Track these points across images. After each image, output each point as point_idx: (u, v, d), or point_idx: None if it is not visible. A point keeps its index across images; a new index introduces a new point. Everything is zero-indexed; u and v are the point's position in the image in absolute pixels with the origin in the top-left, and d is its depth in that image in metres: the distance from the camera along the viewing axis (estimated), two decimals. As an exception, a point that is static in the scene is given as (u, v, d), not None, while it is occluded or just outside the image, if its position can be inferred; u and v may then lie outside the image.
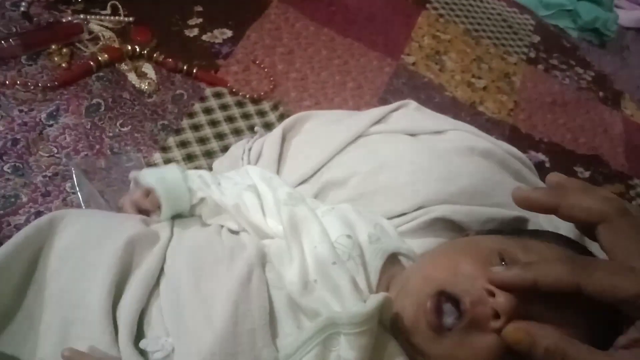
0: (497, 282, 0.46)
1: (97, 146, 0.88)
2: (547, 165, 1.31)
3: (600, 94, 1.63)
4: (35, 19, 1.02)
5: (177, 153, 0.93)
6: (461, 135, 0.73)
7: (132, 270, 0.54)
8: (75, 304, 0.52)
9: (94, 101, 0.94)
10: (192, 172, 0.66)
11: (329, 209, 0.61)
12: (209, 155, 0.94)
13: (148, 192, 0.62)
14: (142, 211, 0.64)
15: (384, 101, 1.25)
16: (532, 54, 1.65)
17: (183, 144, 0.95)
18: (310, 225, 0.56)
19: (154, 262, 0.54)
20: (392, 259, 0.57)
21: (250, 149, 0.74)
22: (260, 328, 0.48)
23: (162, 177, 0.63)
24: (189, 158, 0.93)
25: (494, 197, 0.64)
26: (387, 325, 0.50)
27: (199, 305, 0.50)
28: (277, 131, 0.75)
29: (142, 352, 0.49)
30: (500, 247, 0.51)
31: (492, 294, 0.46)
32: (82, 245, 0.57)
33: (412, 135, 0.73)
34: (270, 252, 0.56)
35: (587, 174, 1.35)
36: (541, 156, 1.33)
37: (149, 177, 0.63)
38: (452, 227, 0.62)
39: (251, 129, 1.02)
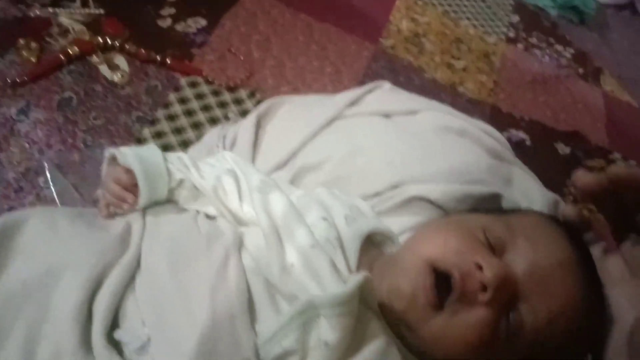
0: (581, 183, 0.51)
1: (70, 140, 0.87)
2: (528, 143, 1.32)
3: (580, 70, 1.63)
4: (1, 14, 0.99)
5: (152, 144, 0.92)
6: (435, 115, 0.72)
7: (108, 267, 0.53)
8: (41, 303, 0.50)
9: (66, 95, 0.92)
10: (170, 154, 0.64)
11: (303, 194, 0.60)
12: (186, 145, 0.93)
13: (127, 171, 0.60)
14: (127, 189, 0.60)
15: (363, 85, 1.24)
16: (512, 34, 1.65)
17: (158, 135, 0.94)
18: (285, 211, 0.55)
19: (130, 255, 0.53)
20: (371, 240, 0.57)
21: (224, 137, 0.73)
22: (240, 314, 0.48)
23: (141, 156, 0.60)
24: (165, 149, 0.90)
25: (469, 175, 0.63)
26: (368, 305, 0.50)
27: (177, 295, 0.49)
28: (251, 117, 0.74)
29: (117, 347, 0.48)
30: (483, 224, 0.52)
31: (480, 268, 0.47)
32: (46, 243, 0.55)
33: (387, 116, 0.72)
34: (247, 238, 0.55)
35: (567, 150, 1.35)
36: (522, 134, 1.33)
37: (128, 156, 0.60)
38: (428, 205, 0.62)
39: (228, 117, 1.01)
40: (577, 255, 0.51)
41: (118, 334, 0.48)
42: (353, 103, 0.74)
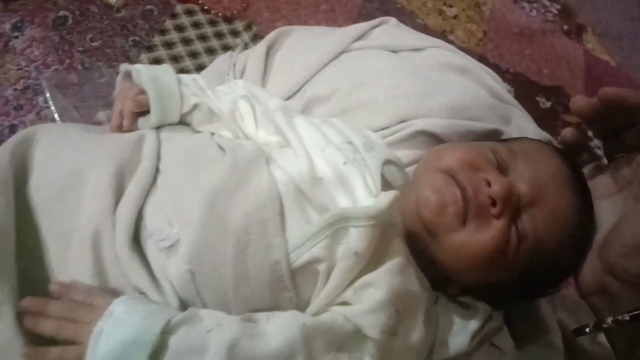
0: (575, 106, 0.55)
1: (68, 61, 0.85)
2: (512, 94, 1.35)
3: (565, 27, 1.66)
4: None
5: (167, 65, 0.90)
6: (440, 52, 0.74)
7: (127, 172, 0.54)
8: (69, 213, 0.51)
9: (61, 13, 0.90)
10: (185, 76, 0.64)
11: (322, 120, 0.62)
12: (184, 73, 0.92)
13: (141, 92, 0.60)
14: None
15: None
16: (502, -16, 1.65)
17: (156, 61, 0.93)
18: (311, 131, 0.57)
19: (148, 162, 0.54)
20: (384, 167, 0.59)
21: (234, 64, 0.73)
22: (272, 218, 0.50)
23: (156, 77, 0.60)
24: (163, 76, 0.91)
25: (471, 111, 0.66)
26: (393, 222, 0.53)
27: (205, 198, 0.50)
28: (261, 46, 0.74)
29: (140, 252, 0.51)
30: (491, 146, 0.57)
31: (489, 184, 0.52)
32: (61, 155, 0.56)
33: (393, 51, 0.73)
34: (273, 152, 0.56)
35: (548, 104, 1.40)
36: (507, 86, 1.36)
37: (142, 76, 0.60)
38: (433, 139, 0.64)
39: (225, 48, 1.01)
40: (569, 172, 0.56)
41: (148, 233, 0.50)
42: (360, 37, 0.75)
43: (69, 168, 0.54)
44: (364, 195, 0.51)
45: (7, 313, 0.46)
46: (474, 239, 0.52)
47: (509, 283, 0.55)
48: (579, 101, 0.55)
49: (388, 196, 0.49)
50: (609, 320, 0.51)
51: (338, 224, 0.49)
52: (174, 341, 0.43)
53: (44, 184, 0.53)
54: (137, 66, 0.62)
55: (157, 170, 0.54)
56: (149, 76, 0.60)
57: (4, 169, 0.52)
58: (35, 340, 0.45)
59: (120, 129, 0.61)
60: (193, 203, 0.50)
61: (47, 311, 0.46)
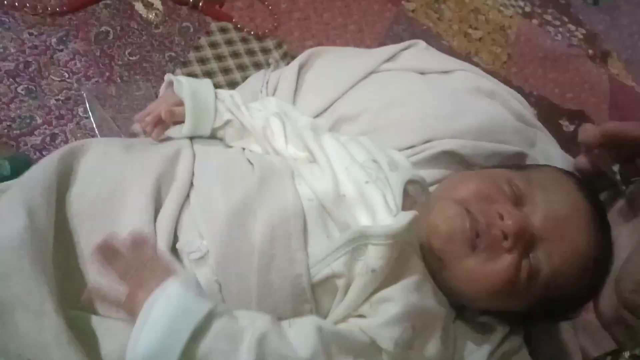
0: (581, 138, 0.57)
1: (107, 73, 0.89)
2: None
3: (590, 51, 1.67)
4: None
5: (208, 80, 0.94)
6: (468, 76, 0.76)
7: (164, 186, 0.56)
8: (110, 222, 0.54)
9: (103, 29, 0.94)
10: (223, 91, 0.67)
11: (349, 138, 0.64)
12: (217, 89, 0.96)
13: (179, 102, 0.64)
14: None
15: (384, 46, 1.27)
16: (528, 8, 1.67)
17: (190, 77, 0.96)
18: (337, 149, 0.60)
19: (184, 175, 0.57)
20: (406, 188, 0.61)
21: (267, 82, 0.76)
22: (296, 233, 0.52)
23: (195, 91, 0.64)
24: (197, 90, 0.94)
25: (497, 135, 0.68)
26: (411, 241, 0.55)
27: (233, 212, 0.53)
28: (293, 65, 0.77)
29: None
30: (508, 176, 0.57)
31: (502, 217, 0.52)
32: (105, 167, 0.59)
33: (422, 73, 0.76)
34: (300, 168, 0.59)
35: (571, 127, 1.41)
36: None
37: (183, 88, 0.64)
38: (458, 160, 0.66)
39: (256, 64, 1.04)
40: (589, 205, 0.56)
41: (181, 245, 0.53)
42: (390, 58, 0.78)
43: (112, 179, 0.57)
44: (384, 215, 0.54)
45: (50, 310, 0.47)
46: (484, 269, 0.53)
47: (525, 309, 0.56)
48: (586, 132, 0.56)
49: (407, 216, 0.51)
50: (626, 355, 0.51)
51: (358, 241, 0.51)
52: (216, 326, 0.46)
53: (85, 193, 0.56)
54: (180, 78, 0.65)
55: (191, 185, 0.57)
56: (189, 89, 0.64)
57: (50, 176, 0.54)
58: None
59: (144, 125, 0.65)
60: (221, 216, 0.53)
61: (119, 256, 0.49)
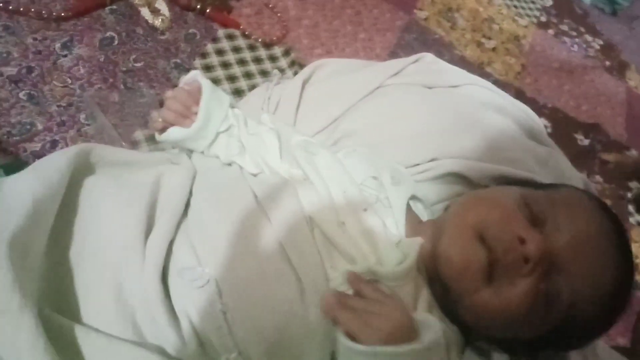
0: None
1: (111, 80, 0.88)
2: (549, 130, 1.33)
3: (607, 63, 1.63)
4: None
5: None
6: (477, 90, 0.74)
7: (158, 205, 0.55)
8: (98, 234, 0.53)
9: (108, 34, 0.93)
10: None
11: (350, 151, 0.62)
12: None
13: (195, 99, 0.63)
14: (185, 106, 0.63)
15: (394, 55, 1.25)
16: (544, 18, 1.64)
17: (195, 84, 0.95)
18: (334, 170, 0.57)
19: (181, 196, 0.56)
20: (411, 202, 0.59)
21: (269, 98, 0.74)
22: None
23: (214, 88, 0.65)
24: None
25: (507, 152, 0.65)
26: (417, 274, 0.52)
27: (236, 238, 0.51)
28: (297, 81, 0.75)
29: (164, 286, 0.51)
30: (525, 196, 0.53)
31: (523, 241, 0.49)
32: (105, 174, 0.58)
33: (429, 88, 0.73)
34: (296, 186, 0.56)
35: (586, 141, 1.37)
36: (544, 121, 1.34)
37: (205, 83, 0.64)
38: (463, 180, 0.64)
39: (262, 72, 1.02)
40: (612, 229, 0.52)
41: (181, 274, 0.51)
42: (396, 73, 0.75)
43: (108, 188, 0.55)
44: (385, 243, 0.51)
45: (29, 316, 0.44)
46: (499, 298, 0.50)
47: (535, 337, 0.53)
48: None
49: (413, 254, 0.49)
50: None
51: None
52: None
53: (84, 198, 0.55)
54: (204, 79, 0.65)
55: (187, 205, 0.55)
56: (208, 85, 0.64)
57: (63, 169, 0.54)
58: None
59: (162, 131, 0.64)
60: (222, 241, 0.51)
61: (349, 303, 0.48)
